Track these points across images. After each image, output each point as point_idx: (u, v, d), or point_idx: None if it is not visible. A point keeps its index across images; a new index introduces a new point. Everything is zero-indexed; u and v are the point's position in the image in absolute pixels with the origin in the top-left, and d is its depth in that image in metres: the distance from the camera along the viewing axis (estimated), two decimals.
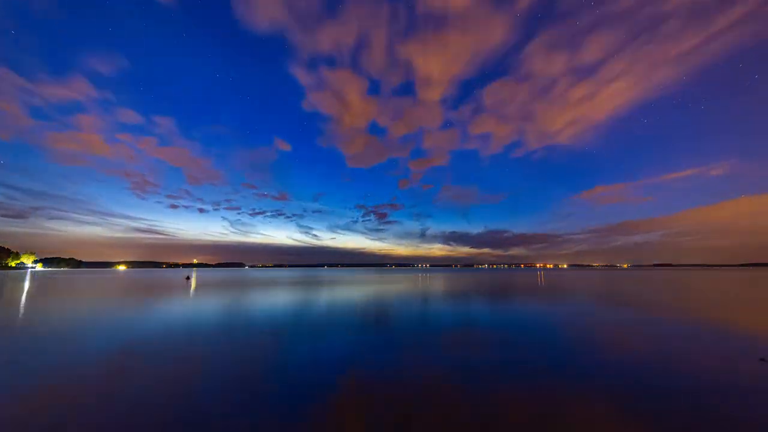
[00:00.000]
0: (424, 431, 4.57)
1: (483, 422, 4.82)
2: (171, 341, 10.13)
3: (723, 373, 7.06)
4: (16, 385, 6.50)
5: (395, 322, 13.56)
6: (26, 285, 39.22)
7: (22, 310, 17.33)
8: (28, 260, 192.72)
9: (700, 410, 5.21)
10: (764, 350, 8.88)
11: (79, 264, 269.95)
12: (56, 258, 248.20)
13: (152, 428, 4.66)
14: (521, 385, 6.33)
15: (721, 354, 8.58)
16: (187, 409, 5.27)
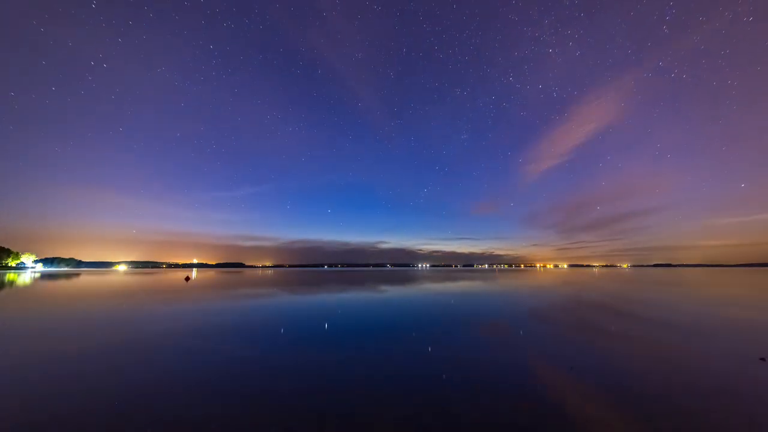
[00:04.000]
0: None
1: None
2: (169, 339, 9.95)
3: (723, 372, 6.99)
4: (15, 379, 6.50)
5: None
6: (26, 284, 39.19)
7: (19, 308, 17.33)
8: (28, 260, 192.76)
9: (699, 410, 5.15)
10: (764, 350, 8.82)
11: (79, 264, 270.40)
12: (56, 258, 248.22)
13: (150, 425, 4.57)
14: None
15: (720, 353, 8.48)
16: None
